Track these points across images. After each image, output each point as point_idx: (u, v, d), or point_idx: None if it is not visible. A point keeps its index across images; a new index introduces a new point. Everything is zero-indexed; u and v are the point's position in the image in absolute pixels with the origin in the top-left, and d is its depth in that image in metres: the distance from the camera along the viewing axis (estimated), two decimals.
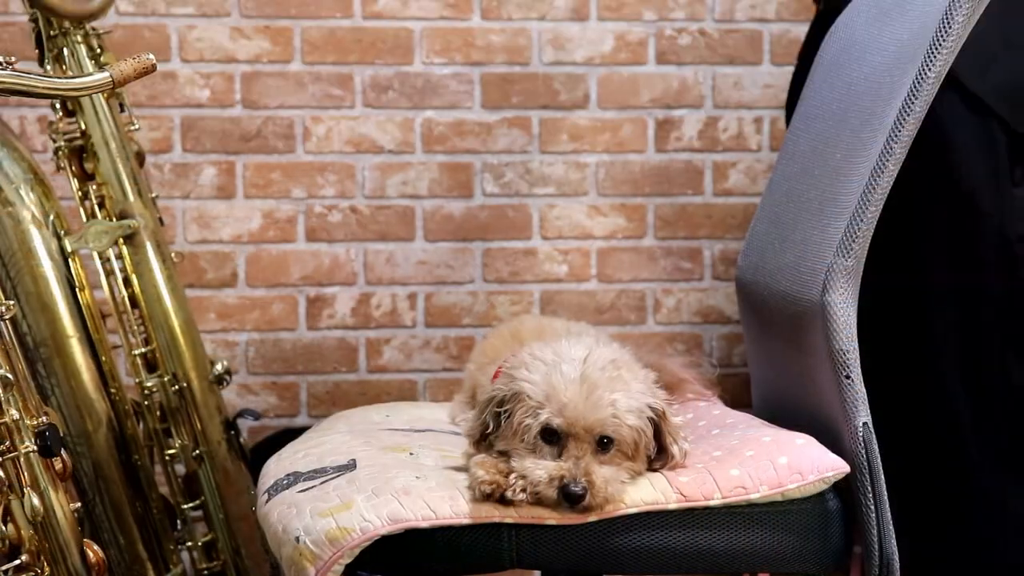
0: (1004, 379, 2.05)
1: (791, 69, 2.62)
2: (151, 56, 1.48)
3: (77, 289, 1.92)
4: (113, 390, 1.96)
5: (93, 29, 2.00)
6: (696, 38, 2.61)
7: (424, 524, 1.34)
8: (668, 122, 2.62)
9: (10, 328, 1.49)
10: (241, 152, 2.54)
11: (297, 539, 1.35)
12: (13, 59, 1.46)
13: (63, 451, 1.51)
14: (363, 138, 2.56)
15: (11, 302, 1.48)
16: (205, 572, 2.06)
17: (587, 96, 2.60)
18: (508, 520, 1.36)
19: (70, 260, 1.92)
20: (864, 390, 1.46)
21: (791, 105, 2.25)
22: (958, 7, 1.43)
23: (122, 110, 2.03)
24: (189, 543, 2.05)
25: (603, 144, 2.60)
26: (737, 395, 2.61)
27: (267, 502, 1.47)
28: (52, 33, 1.96)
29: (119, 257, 1.99)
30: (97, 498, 1.94)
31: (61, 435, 1.52)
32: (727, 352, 2.65)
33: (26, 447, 1.46)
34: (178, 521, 2.05)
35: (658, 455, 1.43)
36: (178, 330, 2.01)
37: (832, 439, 1.48)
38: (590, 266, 2.61)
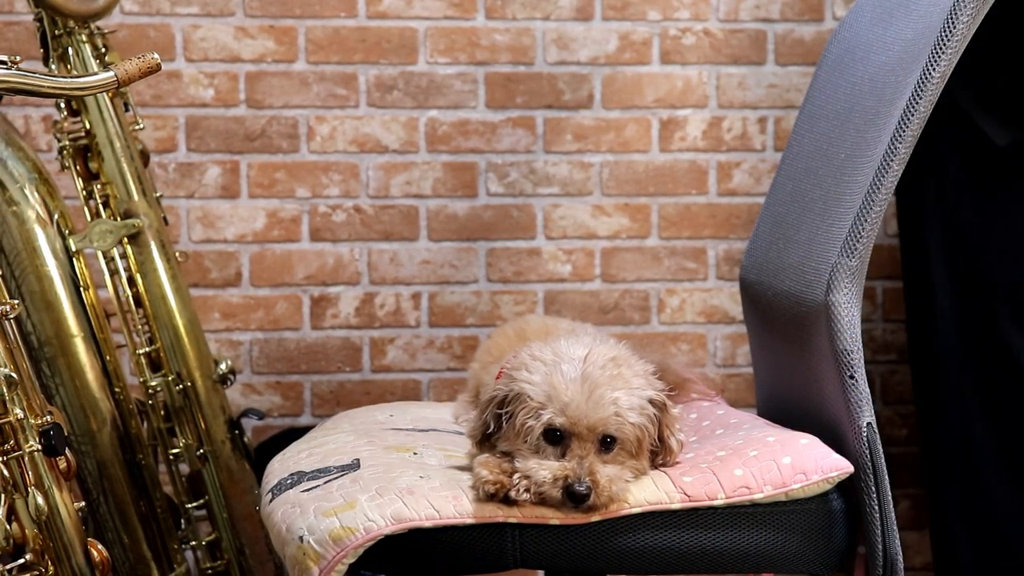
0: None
1: (795, 69, 2.62)
2: (156, 55, 1.49)
3: (81, 288, 1.92)
4: (117, 389, 1.96)
5: (98, 28, 2.00)
6: (700, 38, 2.61)
7: (428, 524, 1.34)
8: (672, 122, 2.62)
9: (14, 327, 1.50)
10: (245, 152, 2.54)
11: (301, 538, 1.35)
12: (18, 58, 1.46)
13: (67, 450, 1.51)
14: (367, 138, 2.56)
15: (16, 301, 1.49)
16: (209, 571, 2.06)
17: (591, 96, 2.59)
18: (512, 520, 1.36)
19: (74, 259, 1.92)
20: (868, 390, 1.46)
21: None
22: (963, 7, 1.43)
23: (127, 109, 2.03)
24: (193, 542, 2.05)
25: (607, 144, 2.60)
26: (741, 395, 2.62)
27: (271, 501, 1.47)
28: (57, 32, 1.97)
29: (123, 256, 2.00)
30: (101, 497, 1.94)
31: (65, 434, 1.52)
32: (731, 352, 2.65)
33: (30, 446, 1.47)
34: (182, 520, 2.05)
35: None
36: (182, 329, 2.01)
37: (836, 439, 1.48)
38: (594, 266, 2.61)
